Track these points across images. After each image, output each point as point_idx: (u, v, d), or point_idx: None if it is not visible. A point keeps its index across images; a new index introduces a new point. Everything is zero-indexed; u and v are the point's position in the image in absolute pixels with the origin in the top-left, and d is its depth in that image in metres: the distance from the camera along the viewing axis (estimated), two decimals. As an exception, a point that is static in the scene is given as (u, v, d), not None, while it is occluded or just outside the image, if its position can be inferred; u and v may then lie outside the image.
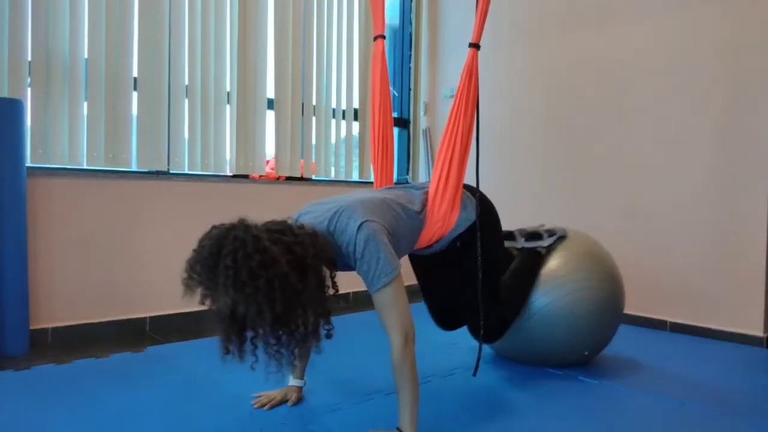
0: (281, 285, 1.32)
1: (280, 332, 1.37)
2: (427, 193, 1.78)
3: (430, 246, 1.82)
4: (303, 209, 1.66)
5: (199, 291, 1.34)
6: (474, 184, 1.85)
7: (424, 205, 1.74)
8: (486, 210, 1.87)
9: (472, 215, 1.81)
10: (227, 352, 1.40)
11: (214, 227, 1.38)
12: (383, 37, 2.04)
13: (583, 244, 2.25)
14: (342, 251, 1.52)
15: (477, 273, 1.80)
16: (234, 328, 1.37)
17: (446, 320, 2.05)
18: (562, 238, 2.23)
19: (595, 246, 2.28)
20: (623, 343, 2.57)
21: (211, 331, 1.41)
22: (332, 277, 1.52)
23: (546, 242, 2.20)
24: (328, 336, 1.50)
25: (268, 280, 1.30)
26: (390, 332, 1.48)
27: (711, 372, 2.26)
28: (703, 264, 2.83)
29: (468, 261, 1.83)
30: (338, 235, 1.51)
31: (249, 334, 1.38)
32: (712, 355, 2.51)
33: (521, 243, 2.24)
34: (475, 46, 1.82)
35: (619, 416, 1.79)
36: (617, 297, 2.22)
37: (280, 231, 1.41)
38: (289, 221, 1.52)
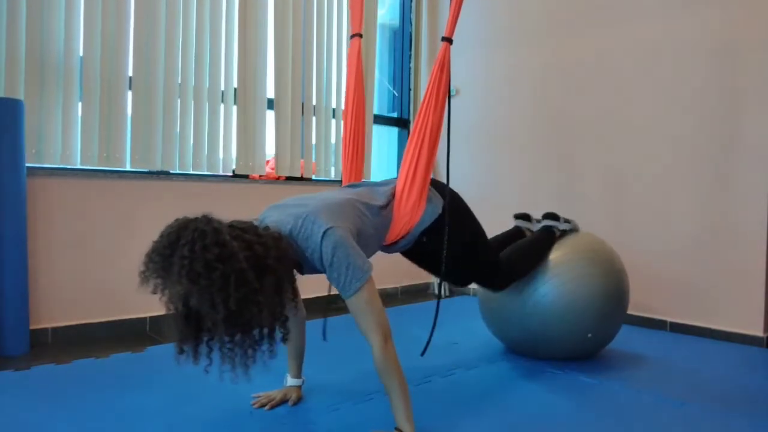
0: (237, 280, 1.30)
1: (234, 331, 1.35)
2: (392, 189, 1.77)
3: (396, 242, 1.81)
4: (265, 212, 1.64)
5: (152, 282, 1.32)
6: (445, 179, 1.86)
7: (389, 200, 1.73)
8: (453, 203, 1.85)
9: (437, 209, 1.80)
10: (181, 351, 1.38)
11: (176, 219, 1.37)
12: (360, 35, 2.06)
13: (588, 240, 2.37)
14: (306, 256, 1.50)
15: (443, 263, 1.80)
16: (188, 324, 1.35)
17: (454, 281, 2.12)
18: (573, 231, 2.39)
19: (600, 243, 2.38)
20: (623, 342, 2.57)
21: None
22: (292, 283, 1.49)
23: (562, 225, 2.34)
24: (284, 340, 1.46)
25: (223, 274, 1.28)
26: (368, 335, 1.48)
27: (711, 372, 2.26)
28: (703, 264, 2.83)
29: (434, 253, 1.82)
30: (302, 241, 1.49)
31: (204, 335, 1.36)
32: (712, 355, 2.51)
33: (537, 225, 2.41)
34: (447, 40, 1.81)
35: (619, 416, 1.79)
36: (620, 286, 2.30)
37: (243, 229, 1.40)
38: (255, 222, 1.51)
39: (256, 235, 1.40)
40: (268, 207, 1.66)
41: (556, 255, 2.24)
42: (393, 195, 1.76)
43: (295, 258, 1.49)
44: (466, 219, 1.94)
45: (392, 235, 1.76)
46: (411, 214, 1.74)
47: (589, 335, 2.20)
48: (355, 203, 1.63)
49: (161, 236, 1.33)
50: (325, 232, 1.45)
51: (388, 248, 1.84)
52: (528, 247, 2.26)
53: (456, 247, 1.81)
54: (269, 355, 1.43)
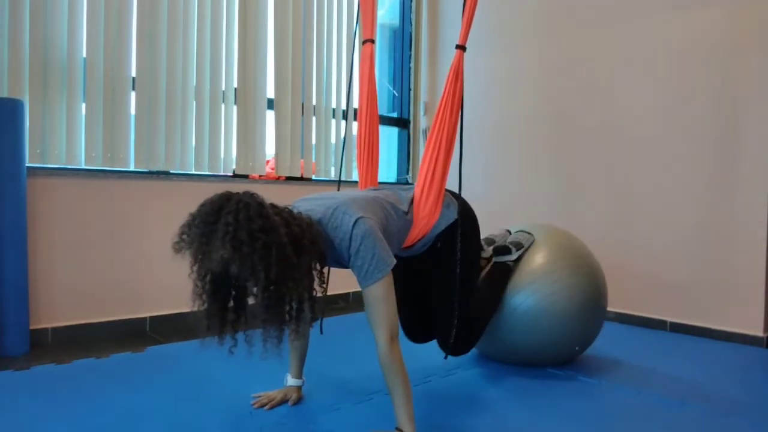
0: (278, 253, 1.33)
1: (268, 303, 1.36)
2: (413, 195, 1.80)
3: (413, 245, 1.82)
4: (294, 203, 1.66)
5: (190, 252, 1.32)
6: (457, 184, 1.89)
7: (410, 205, 1.76)
8: (466, 211, 1.89)
9: (452, 214, 1.83)
10: (208, 327, 1.39)
11: (216, 193, 1.39)
12: (372, 41, 2.08)
13: (553, 241, 2.24)
14: (335, 246, 1.52)
15: (455, 271, 1.80)
16: (221, 295, 1.37)
17: (416, 332, 2.02)
18: (529, 247, 2.21)
19: (569, 239, 2.28)
20: (623, 342, 2.57)
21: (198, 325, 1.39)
22: (321, 269, 1.53)
23: (514, 256, 2.16)
24: (312, 321, 1.51)
25: (265, 244, 1.31)
26: (377, 329, 1.49)
27: (711, 372, 2.26)
28: (703, 264, 2.83)
29: (446, 260, 1.83)
30: (331, 231, 1.52)
31: (230, 315, 1.38)
32: (712, 355, 2.51)
33: (489, 252, 2.21)
34: (461, 47, 1.84)
35: (619, 416, 1.79)
36: (597, 287, 2.20)
37: (280, 209, 1.45)
38: (289, 207, 1.54)
39: (291, 217, 1.44)
40: (296, 200, 1.68)
41: (532, 266, 2.14)
42: (413, 200, 1.79)
43: (323, 246, 1.51)
44: (475, 234, 1.95)
45: (411, 238, 1.78)
46: (429, 217, 1.77)
47: (577, 348, 2.21)
48: (383, 202, 1.66)
49: (202, 206, 1.36)
50: (356, 221, 1.48)
51: (405, 250, 1.85)
52: (485, 296, 2.10)
53: (463, 263, 1.80)
54: (294, 336, 1.45)
